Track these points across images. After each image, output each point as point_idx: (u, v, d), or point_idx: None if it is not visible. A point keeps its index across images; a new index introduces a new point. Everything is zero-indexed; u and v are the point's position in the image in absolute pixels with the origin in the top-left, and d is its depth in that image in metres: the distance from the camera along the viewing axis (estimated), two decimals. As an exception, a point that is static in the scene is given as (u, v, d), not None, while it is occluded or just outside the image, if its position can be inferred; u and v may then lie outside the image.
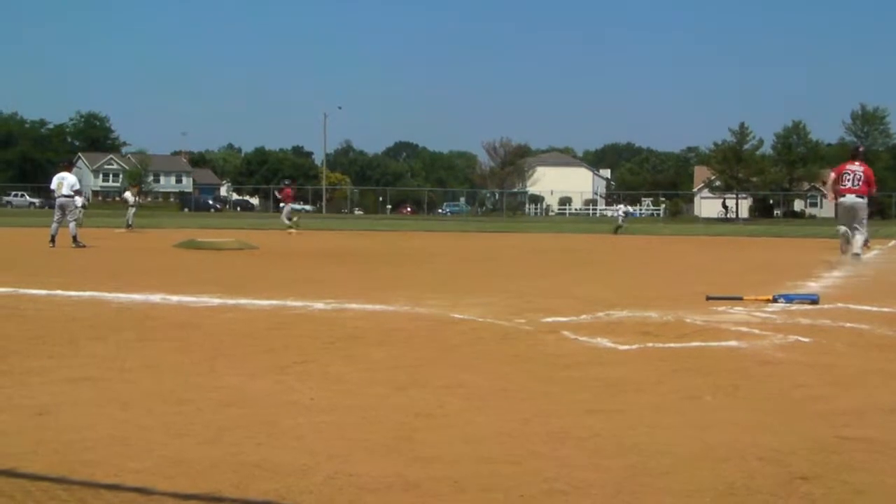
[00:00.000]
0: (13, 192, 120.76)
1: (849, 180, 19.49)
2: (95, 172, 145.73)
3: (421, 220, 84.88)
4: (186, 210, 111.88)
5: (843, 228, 19.67)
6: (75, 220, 25.46)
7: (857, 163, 19.75)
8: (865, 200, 19.64)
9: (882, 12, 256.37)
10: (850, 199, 19.42)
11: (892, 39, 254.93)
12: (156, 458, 4.24)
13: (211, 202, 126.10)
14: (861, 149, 21.85)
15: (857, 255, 19.36)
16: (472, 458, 4.34)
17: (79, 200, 46.38)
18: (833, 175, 20.31)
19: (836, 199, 19.89)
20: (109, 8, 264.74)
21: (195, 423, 4.89)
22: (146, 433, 4.69)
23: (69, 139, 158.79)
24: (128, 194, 44.36)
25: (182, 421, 4.95)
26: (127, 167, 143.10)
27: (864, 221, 19.89)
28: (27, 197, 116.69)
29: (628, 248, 32.34)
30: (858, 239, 19.46)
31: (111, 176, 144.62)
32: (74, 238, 24.39)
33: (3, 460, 4.11)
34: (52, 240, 24.20)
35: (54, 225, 24.91)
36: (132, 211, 40.93)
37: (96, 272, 16.28)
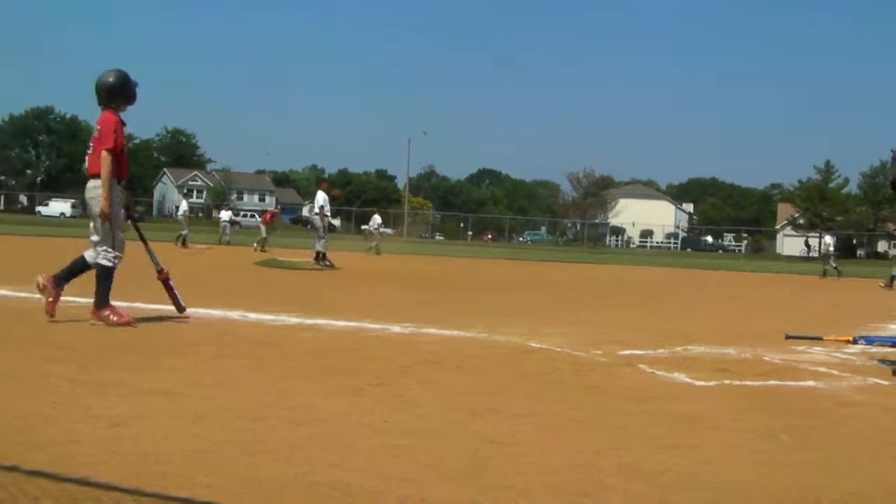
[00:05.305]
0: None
1: None
2: (180, 188, 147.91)
3: (502, 248, 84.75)
4: (648, 247, 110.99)
5: None
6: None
7: None
8: None
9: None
10: None
11: None
12: (227, 473, 4.26)
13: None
14: None
15: None
16: (544, 488, 4.30)
17: (225, 215, 45.86)
18: None
19: None
20: (200, 26, 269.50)
21: (268, 441, 4.91)
22: (219, 448, 4.71)
23: (155, 154, 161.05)
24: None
25: (255, 438, 4.97)
26: (211, 184, 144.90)
27: None
28: None
29: (708, 283, 32.01)
30: None
31: (195, 192, 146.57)
32: (319, 256, 25.74)
33: (78, 468, 4.16)
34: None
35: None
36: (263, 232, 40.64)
37: (177, 287, 16.45)
